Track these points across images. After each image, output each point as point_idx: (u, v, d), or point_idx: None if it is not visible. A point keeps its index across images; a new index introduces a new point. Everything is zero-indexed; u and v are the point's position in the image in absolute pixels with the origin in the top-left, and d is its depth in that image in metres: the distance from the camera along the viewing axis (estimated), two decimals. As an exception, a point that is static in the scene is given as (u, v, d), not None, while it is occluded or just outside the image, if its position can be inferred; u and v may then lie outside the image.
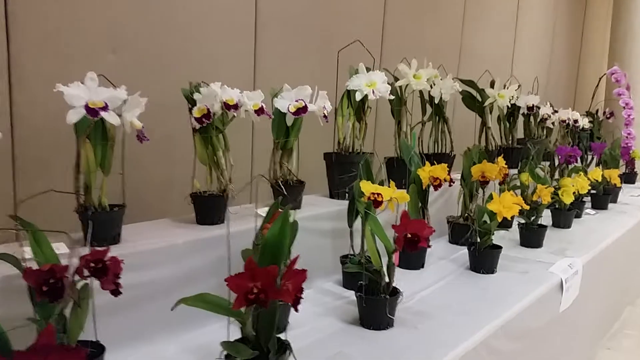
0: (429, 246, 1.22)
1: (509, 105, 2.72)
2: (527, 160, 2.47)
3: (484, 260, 1.65)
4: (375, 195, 1.38)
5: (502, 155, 2.72)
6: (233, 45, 1.90)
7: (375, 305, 1.20)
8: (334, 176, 1.70)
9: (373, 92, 1.62)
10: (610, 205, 2.87)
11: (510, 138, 2.76)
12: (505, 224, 2.20)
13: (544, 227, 1.98)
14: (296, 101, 1.40)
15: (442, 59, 3.03)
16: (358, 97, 1.62)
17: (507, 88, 2.43)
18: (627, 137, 3.82)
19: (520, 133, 3.09)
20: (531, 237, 1.97)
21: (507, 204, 1.59)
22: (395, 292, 1.24)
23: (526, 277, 1.63)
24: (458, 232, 1.96)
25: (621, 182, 3.58)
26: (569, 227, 2.32)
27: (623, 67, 4.13)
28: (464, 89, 2.46)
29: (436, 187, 1.61)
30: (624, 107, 3.84)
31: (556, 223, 2.34)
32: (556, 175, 2.68)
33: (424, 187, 1.64)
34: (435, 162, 2.18)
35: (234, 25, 1.90)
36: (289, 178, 1.50)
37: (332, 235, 1.56)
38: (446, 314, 1.32)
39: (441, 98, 2.13)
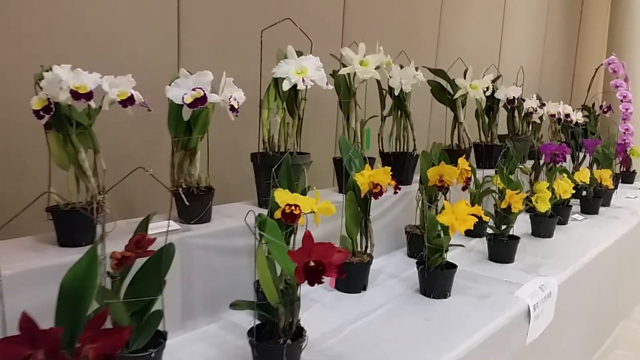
0: (341, 275, 0.96)
1: (487, 98, 2.45)
2: (505, 160, 2.20)
3: (434, 282, 1.38)
4: (292, 208, 1.12)
5: (481, 153, 2.47)
6: (152, 26, 1.63)
7: (269, 354, 0.94)
8: (261, 181, 1.44)
9: (303, 80, 1.35)
10: (602, 209, 2.58)
11: (490, 135, 2.48)
12: (478, 232, 1.94)
13: (515, 239, 1.71)
14: (193, 90, 1.14)
15: (417, 47, 2.75)
16: (285, 86, 1.35)
17: (483, 78, 2.15)
18: (624, 132, 3.53)
19: (504, 129, 2.82)
20: (500, 250, 1.70)
21: (462, 215, 1.32)
22: (299, 335, 0.97)
23: (485, 303, 1.36)
24: (416, 244, 1.69)
25: (617, 182, 3.30)
26: (549, 236, 2.05)
27: (622, 56, 3.83)
28: (433, 79, 2.18)
29: (376, 195, 1.34)
30: (621, 100, 3.55)
31: (535, 232, 2.06)
32: (542, 176, 2.40)
33: (362, 195, 1.37)
34: (395, 162, 1.94)
35: (152, 2, 1.63)
36: (191, 185, 1.23)
37: (250, 254, 1.30)
38: (369, 358, 1.05)
39: (402, 89, 1.86)
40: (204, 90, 1.13)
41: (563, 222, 2.26)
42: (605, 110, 3.75)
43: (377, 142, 1.96)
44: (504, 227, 1.71)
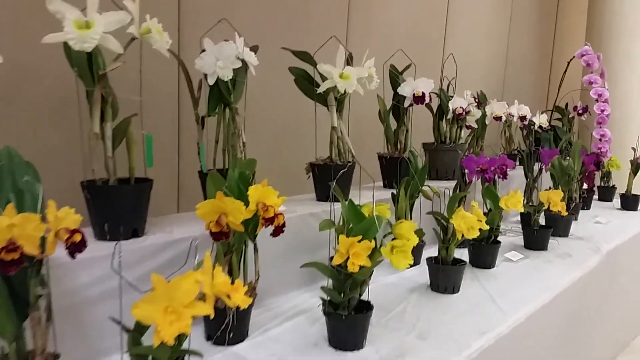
0: None
1: (394, 95, 1.82)
2: (406, 180, 1.58)
3: None
4: None
5: (386, 169, 1.84)
6: None
7: None
8: None
9: None
10: (553, 242, 1.91)
11: (397, 144, 1.84)
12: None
13: (364, 313, 1.05)
14: None
15: (322, 30, 2.12)
16: None
17: (364, 65, 1.51)
18: (599, 139, 2.87)
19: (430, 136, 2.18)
20: (341, 331, 1.05)
21: (177, 307, 0.69)
22: None
23: None
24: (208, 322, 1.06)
25: (589, 201, 2.65)
26: (454, 291, 1.39)
27: (599, 47, 3.17)
28: (297, 66, 1.55)
29: (7, 268, 0.69)
30: (596, 100, 2.89)
31: (434, 284, 1.42)
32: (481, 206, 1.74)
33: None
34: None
35: None
36: None
37: None
38: None
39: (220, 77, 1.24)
40: None
41: (488, 264, 1.62)
42: (580, 111, 3.09)
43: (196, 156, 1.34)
44: (350, 296, 1.07)
